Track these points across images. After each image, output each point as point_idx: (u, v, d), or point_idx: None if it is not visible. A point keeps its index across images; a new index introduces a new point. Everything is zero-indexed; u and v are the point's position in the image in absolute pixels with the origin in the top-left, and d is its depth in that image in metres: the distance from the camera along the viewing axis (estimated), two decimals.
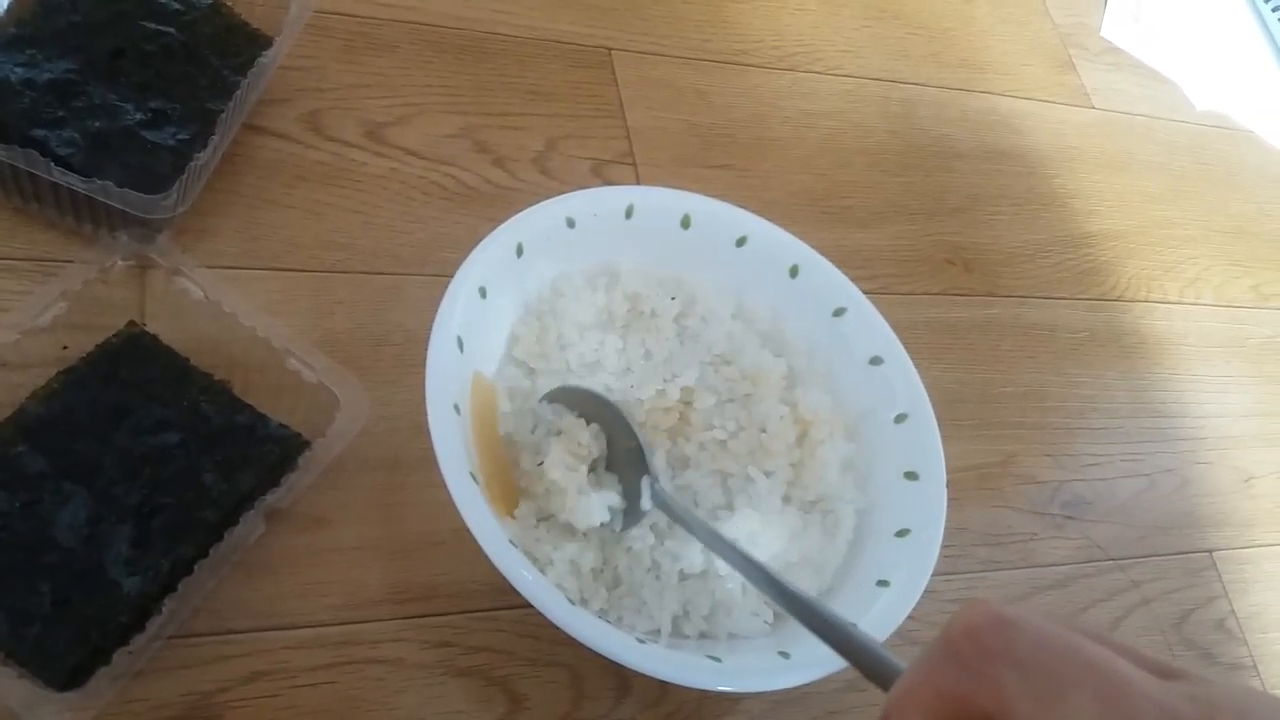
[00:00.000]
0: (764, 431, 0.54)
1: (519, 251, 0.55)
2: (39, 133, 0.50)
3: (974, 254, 0.77)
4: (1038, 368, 0.74)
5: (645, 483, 0.50)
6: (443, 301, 0.50)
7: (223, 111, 0.54)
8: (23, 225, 0.53)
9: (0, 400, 0.46)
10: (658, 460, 0.53)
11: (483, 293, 0.53)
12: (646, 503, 0.50)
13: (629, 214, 0.59)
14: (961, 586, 0.62)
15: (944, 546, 0.52)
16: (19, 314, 0.47)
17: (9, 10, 0.53)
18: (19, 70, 0.51)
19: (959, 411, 0.68)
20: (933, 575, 0.51)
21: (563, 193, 0.57)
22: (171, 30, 0.56)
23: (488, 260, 0.53)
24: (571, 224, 0.57)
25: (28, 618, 0.41)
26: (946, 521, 0.53)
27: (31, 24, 0.53)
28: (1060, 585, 0.65)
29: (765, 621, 0.51)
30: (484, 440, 0.49)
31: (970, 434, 0.68)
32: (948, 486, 0.54)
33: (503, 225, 0.54)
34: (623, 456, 0.52)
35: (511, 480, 0.51)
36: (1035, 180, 0.85)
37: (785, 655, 0.48)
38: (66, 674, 0.41)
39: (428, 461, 0.46)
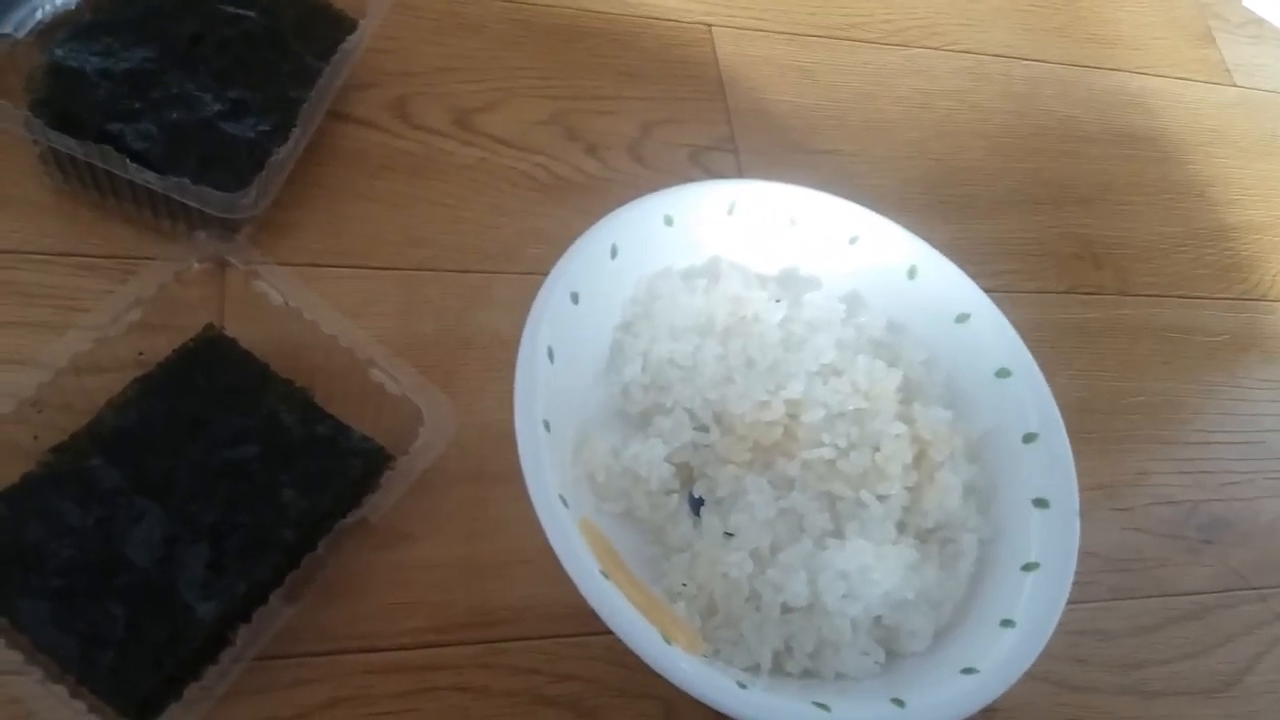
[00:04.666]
0: (877, 451, 0.50)
1: (613, 253, 0.51)
2: (115, 126, 0.48)
3: (1104, 248, 0.71)
4: (1173, 374, 0.67)
5: None
6: (532, 310, 0.47)
7: (305, 101, 0.52)
8: (101, 221, 0.51)
9: (76, 406, 0.44)
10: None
11: (575, 298, 0.49)
12: None
13: (731, 211, 0.54)
14: (1087, 617, 0.57)
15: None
16: (95, 316, 0.45)
17: None
18: (95, 59, 0.49)
19: (1087, 423, 0.63)
20: None
21: (658, 182, 0.54)
22: (252, 14, 0.53)
23: (580, 264, 0.50)
24: (669, 222, 0.53)
25: (100, 642, 0.39)
26: None
27: (109, 11, 0.51)
28: (1195, 616, 0.60)
29: (876, 662, 0.47)
30: (625, 583, 0.45)
31: (1099, 449, 0.62)
32: None
33: (596, 225, 0.51)
34: None
35: (670, 612, 0.47)
36: (1170, 166, 0.78)
37: (900, 703, 0.43)
38: (139, 703, 0.39)
39: (514, 473, 0.43)
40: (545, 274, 0.49)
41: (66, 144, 0.46)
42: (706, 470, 0.51)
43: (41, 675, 0.37)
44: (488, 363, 0.53)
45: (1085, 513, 0.50)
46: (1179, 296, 0.71)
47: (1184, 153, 0.79)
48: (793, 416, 0.51)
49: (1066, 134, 0.76)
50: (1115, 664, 0.56)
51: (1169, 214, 0.75)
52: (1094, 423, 0.63)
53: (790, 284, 0.56)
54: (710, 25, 0.71)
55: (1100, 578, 0.58)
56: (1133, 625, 0.58)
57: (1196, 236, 0.75)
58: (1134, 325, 0.69)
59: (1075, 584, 0.49)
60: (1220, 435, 0.67)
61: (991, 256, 0.67)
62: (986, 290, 0.55)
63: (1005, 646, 0.46)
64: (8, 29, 0.51)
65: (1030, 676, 0.53)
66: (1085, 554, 0.58)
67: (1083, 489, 0.51)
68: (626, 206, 0.52)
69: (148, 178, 0.47)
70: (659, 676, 0.41)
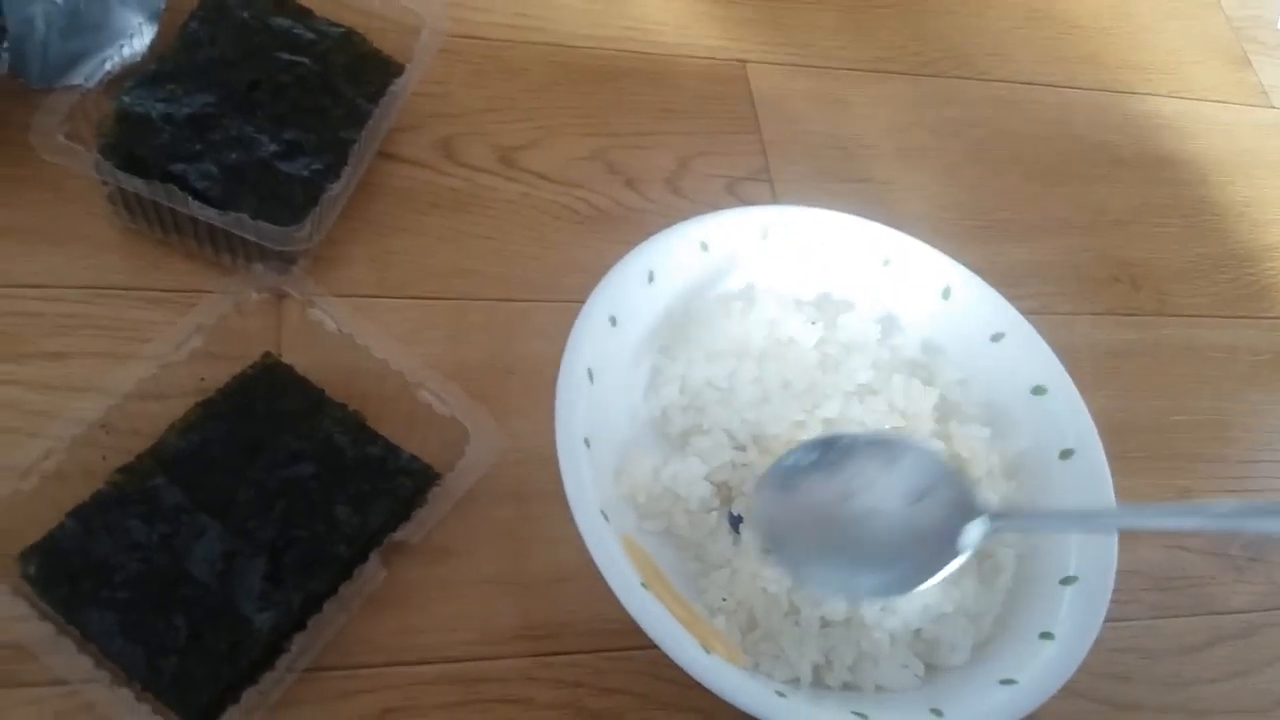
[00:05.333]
0: None
1: (650, 278, 0.53)
2: (178, 167, 0.51)
3: (1142, 270, 0.71)
4: (1215, 394, 0.67)
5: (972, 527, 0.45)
6: (572, 333, 0.49)
7: (356, 141, 0.54)
8: (164, 257, 0.54)
9: (141, 430, 0.47)
10: None
11: (613, 321, 0.51)
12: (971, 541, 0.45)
13: (765, 235, 0.56)
14: (1130, 634, 0.57)
15: (1111, 591, 0.48)
16: (159, 345, 0.47)
17: (151, 48, 0.54)
18: (159, 106, 0.52)
19: (1127, 443, 0.63)
20: None
21: (695, 212, 0.55)
22: (305, 61, 0.56)
23: (618, 288, 0.51)
24: (705, 247, 0.55)
25: (164, 651, 0.41)
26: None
27: (172, 60, 0.54)
28: (1243, 635, 0.59)
29: (916, 675, 0.47)
30: (666, 597, 0.46)
31: (1140, 467, 0.62)
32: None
33: (633, 251, 0.52)
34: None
35: (710, 626, 0.48)
36: (1208, 189, 0.78)
37: (938, 714, 0.44)
38: (200, 710, 0.41)
39: (557, 494, 0.45)
40: (585, 302, 0.51)
41: (133, 184, 0.49)
42: (745, 489, 0.52)
43: (110, 680, 0.39)
44: (529, 388, 0.55)
45: (1126, 531, 0.50)
46: (1220, 317, 0.71)
47: (1222, 174, 0.79)
48: None
49: (1101, 158, 0.77)
50: (1160, 682, 0.56)
51: (1207, 235, 0.75)
52: (1134, 441, 0.63)
53: (825, 307, 0.57)
54: (745, 62, 0.73)
55: (1143, 596, 0.58)
56: (1178, 644, 0.58)
57: (1236, 257, 0.75)
58: (1174, 345, 0.69)
59: (1117, 602, 0.49)
60: (1266, 454, 0.66)
61: (1026, 280, 0.68)
62: (1021, 313, 0.56)
63: (1044, 658, 0.46)
64: (79, 80, 0.55)
65: (1073, 694, 0.53)
66: (1127, 572, 0.58)
67: None
68: (662, 233, 0.53)
69: (209, 214, 0.49)
70: (701, 691, 0.42)
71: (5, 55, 0.53)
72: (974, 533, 0.45)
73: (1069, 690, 0.49)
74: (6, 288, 0.51)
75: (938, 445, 0.52)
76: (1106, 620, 0.48)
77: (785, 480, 0.49)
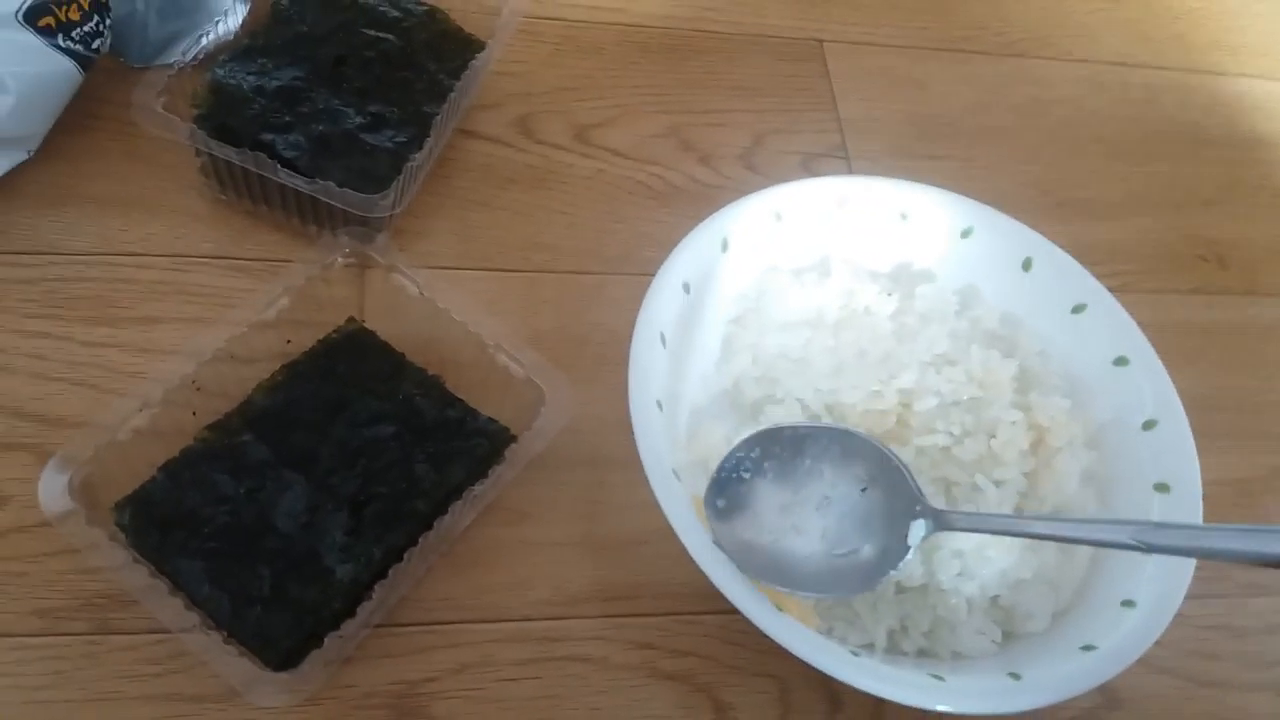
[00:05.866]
0: (993, 438, 0.50)
1: (724, 246, 0.53)
2: (267, 137, 0.52)
3: (1230, 249, 0.69)
4: None
5: (915, 527, 0.45)
6: (646, 297, 0.49)
7: (437, 114, 0.55)
8: (253, 228, 0.56)
9: (229, 391, 0.48)
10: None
11: (686, 288, 0.51)
12: (915, 539, 0.45)
13: (841, 206, 0.56)
14: (1217, 612, 0.55)
15: (1197, 567, 0.47)
16: (247, 309, 0.49)
17: (244, 24, 0.56)
18: (250, 78, 0.54)
19: (1214, 421, 0.60)
20: (1185, 598, 0.46)
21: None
22: (390, 37, 0.58)
23: (692, 255, 0.52)
24: (779, 217, 0.55)
25: (249, 600, 0.43)
26: None
27: (263, 35, 0.56)
28: None
29: (993, 641, 0.47)
30: None
31: (1228, 446, 0.61)
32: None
33: (708, 219, 0.53)
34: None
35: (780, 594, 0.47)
36: None
37: (1016, 677, 0.43)
38: (283, 655, 0.42)
39: (630, 460, 0.45)
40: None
41: (225, 152, 0.51)
42: None
43: (199, 623, 0.40)
44: (603, 357, 0.56)
45: (1213, 508, 0.49)
46: None
47: None
48: (905, 405, 0.52)
49: (1188, 138, 0.75)
50: (1249, 661, 0.54)
51: None
52: (1221, 420, 0.62)
53: (902, 278, 0.56)
54: (821, 41, 0.73)
55: (1232, 573, 0.57)
56: (1268, 623, 0.56)
57: None
58: (1263, 325, 0.67)
59: (1205, 579, 0.47)
60: None
61: (1110, 257, 0.67)
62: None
63: (1126, 626, 0.45)
64: (175, 58, 0.57)
65: (1158, 669, 0.52)
66: None
67: (1210, 484, 0.49)
68: (738, 202, 0.53)
69: (297, 181, 0.51)
70: (773, 655, 0.42)
71: (108, 36, 0.55)
72: (917, 532, 0.44)
73: (1154, 666, 0.49)
74: (104, 255, 0.54)
75: (1016, 415, 0.51)
76: (1192, 597, 0.46)
77: (729, 490, 0.48)
